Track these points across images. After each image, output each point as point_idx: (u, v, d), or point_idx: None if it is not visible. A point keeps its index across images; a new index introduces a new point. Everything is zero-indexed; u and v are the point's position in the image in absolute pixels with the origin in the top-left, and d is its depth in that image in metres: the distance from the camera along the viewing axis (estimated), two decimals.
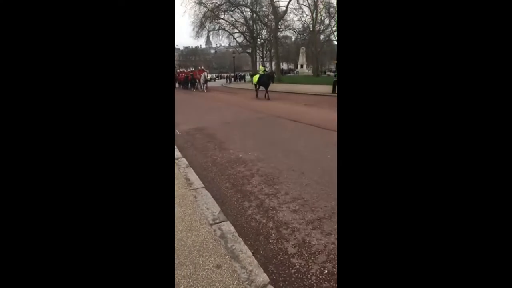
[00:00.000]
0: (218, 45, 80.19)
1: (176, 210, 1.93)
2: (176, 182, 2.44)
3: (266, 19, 24.17)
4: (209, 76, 19.57)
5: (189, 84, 18.41)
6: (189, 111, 7.70)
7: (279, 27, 22.61)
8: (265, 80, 9.60)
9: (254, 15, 25.28)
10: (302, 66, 35.80)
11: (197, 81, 17.32)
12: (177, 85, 22.08)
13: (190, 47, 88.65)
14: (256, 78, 10.09)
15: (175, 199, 2.11)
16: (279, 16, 21.99)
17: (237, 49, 32.39)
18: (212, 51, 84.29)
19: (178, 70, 23.61)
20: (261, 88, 9.79)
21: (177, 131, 4.91)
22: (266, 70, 11.27)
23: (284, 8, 22.26)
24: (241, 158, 3.24)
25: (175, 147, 3.64)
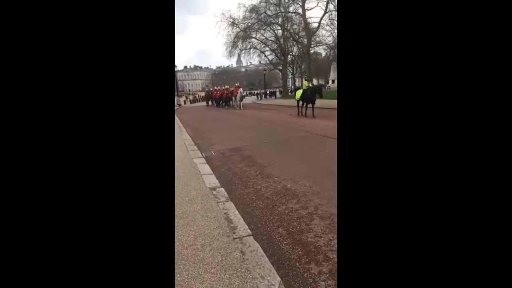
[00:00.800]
0: (248, 64, 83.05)
1: (219, 275, 1.36)
2: (215, 223, 1.89)
3: (297, 36, 24.11)
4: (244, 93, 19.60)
5: (223, 102, 18.17)
6: (224, 129, 7.37)
7: (311, 42, 22.33)
8: (309, 96, 8.82)
9: (286, 32, 25.41)
10: (333, 81, 34.90)
11: (234, 98, 16.92)
12: (209, 103, 22.44)
13: (222, 66, 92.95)
14: (299, 93, 9.31)
15: (216, 251, 1.55)
16: (311, 32, 21.77)
17: (268, 67, 32.74)
18: (243, 69, 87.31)
19: (211, 89, 24.17)
20: (305, 104, 9.06)
21: (212, 152, 4.49)
22: (311, 84, 10.31)
23: (316, 24, 22.01)
24: (290, 190, 2.63)
25: (213, 176, 3.15)
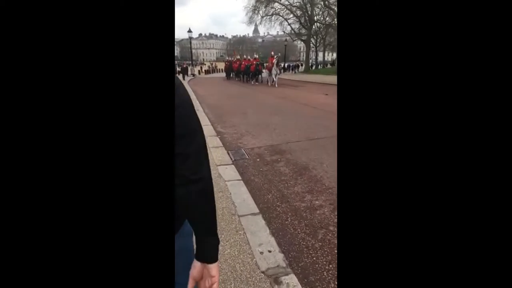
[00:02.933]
0: (265, 34, 78.15)
1: None
2: None
3: (328, 1, 21.08)
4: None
5: (250, 76, 14.51)
6: (253, 111, 5.87)
7: None
8: None
9: None
10: None
11: (266, 72, 13.22)
12: (231, 75, 18.58)
13: (238, 35, 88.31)
14: None
15: None
16: None
17: (289, 37, 29.80)
18: (260, 39, 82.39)
19: (232, 58, 20.18)
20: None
21: (244, 153, 3.08)
22: None
23: None
24: None
25: (268, 232, 1.73)
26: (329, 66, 37.15)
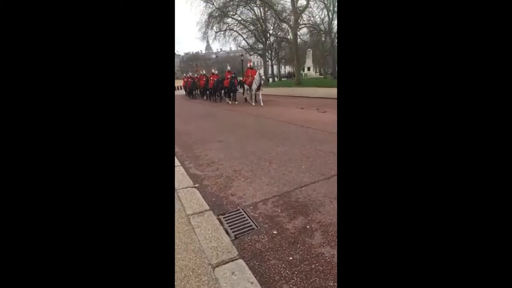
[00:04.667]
0: (219, 50, 78.40)
1: None
2: None
3: (282, 16, 21.34)
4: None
5: (223, 92, 11.67)
6: (240, 142, 4.71)
7: (298, 24, 19.76)
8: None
9: (268, 11, 22.51)
10: (309, 69, 32.96)
11: (244, 87, 10.44)
12: (193, 93, 15.63)
13: (191, 52, 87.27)
14: None
15: None
16: (299, 12, 19.19)
17: (244, 52, 29.61)
18: (213, 55, 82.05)
19: (192, 75, 17.47)
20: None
21: (244, 214, 1.91)
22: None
23: (304, 2, 19.41)
24: None
25: None
26: (283, 79, 38.07)
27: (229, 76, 10.90)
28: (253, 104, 9.61)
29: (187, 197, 2.22)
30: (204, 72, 15.41)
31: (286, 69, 49.97)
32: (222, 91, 11.83)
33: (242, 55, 30.37)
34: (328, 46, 25.51)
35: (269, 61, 34.48)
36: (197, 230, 1.69)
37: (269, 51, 30.49)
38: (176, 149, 4.02)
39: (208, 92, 13.44)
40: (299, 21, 19.13)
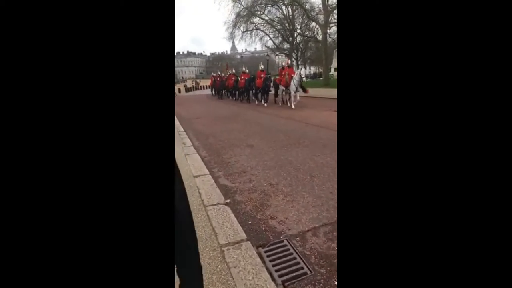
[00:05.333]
0: (244, 50, 78.77)
1: None
2: None
3: (312, 13, 20.60)
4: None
5: (256, 93, 10.54)
6: (273, 148, 4.31)
7: (329, 22, 18.90)
8: None
9: (297, 10, 21.88)
10: (335, 69, 31.68)
11: (279, 88, 9.32)
12: (220, 93, 15.16)
13: (217, 52, 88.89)
14: None
15: None
16: (329, 9, 18.35)
17: (269, 51, 29.14)
18: (238, 56, 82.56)
19: (221, 74, 16.60)
20: None
21: (291, 249, 1.49)
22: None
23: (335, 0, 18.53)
24: None
25: None
26: (309, 79, 37.35)
27: (262, 76, 9.96)
28: (293, 107, 8.32)
29: (219, 218, 1.84)
30: (234, 71, 14.39)
31: (311, 69, 48.82)
32: (251, 92, 10.89)
33: (267, 55, 30.00)
34: None
35: (295, 61, 33.81)
36: (234, 272, 1.30)
37: (295, 51, 29.82)
38: (203, 153, 3.71)
39: (237, 92, 12.63)
40: (329, 19, 18.29)
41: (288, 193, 2.28)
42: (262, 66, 11.06)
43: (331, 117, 6.15)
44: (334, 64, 32.51)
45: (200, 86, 30.69)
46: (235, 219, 1.85)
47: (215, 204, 2.05)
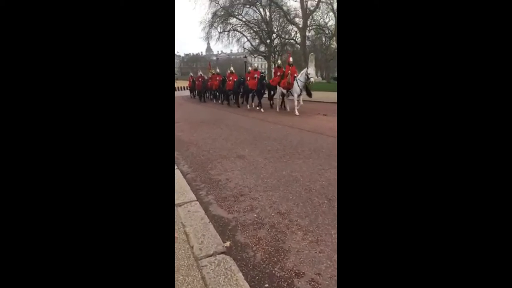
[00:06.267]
0: (219, 52, 77.81)
1: None
2: None
3: (290, 16, 20.43)
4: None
5: (249, 96, 9.21)
6: (272, 161, 3.68)
7: (307, 24, 18.86)
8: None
9: (274, 12, 21.63)
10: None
11: (278, 90, 8.05)
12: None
13: (191, 53, 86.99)
14: None
15: None
16: (308, 12, 18.32)
17: (247, 54, 28.62)
18: (214, 57, 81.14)
19: (201, 74, 14.37)
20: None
21: None
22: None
23: (314, 3, 18.51)
24: None
25: None
26: None
27: (256, 76, 8.65)
28: (296, 113, 7.05)
29: (220, 281, 1.21)
30: (218, 71, 12.49)
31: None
32: (251, 93, 9.13)
33: (245, 56, 29.48)
34: (333, 50, 24.66)
35: (273, 64, 33.66)
36: None
37: (273, 54, 29.65)
38: (185, 167, 3.02)
39: (222, 95, 11.20)
40: (307, 22, 18.26)
41: (307, 228, 1.71)
42: (255, 66, 10.19)
43: (324, 122, 5.72)
44: (310, 67, 32.87)
45: (177, 87, 28.87)
46: (244, 280, 1.23)
47: (210, 255, 1.40)
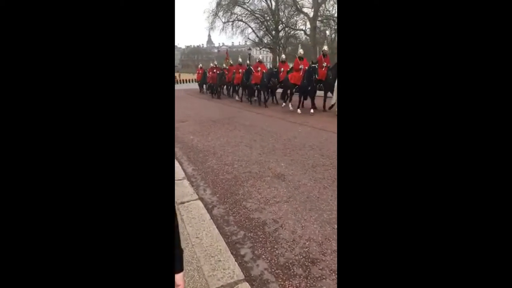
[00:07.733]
0: (221, 44, 76.32)
1: None
2: None
3: (299, 5, 19.26)
4: None
5: (265, 92, 7.72)
6: (317, 181, 2.80)
7: (318, 15, 17.70)
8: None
9: (281, 1, 20.45)
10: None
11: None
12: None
13: (192, 45, 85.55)
14: None
15: None
16: (319, 2, 17.15)
17: (252, 46, 27.50)
18: (215, 50, 79.56)
19: (216, 65, 12.57)
20: None
21: None
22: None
23: None
24: None
25: None
26: None
27: (275, 70, 7.27)
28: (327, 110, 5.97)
29: None
30: (240, 60, 10.08)
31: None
32: (269, 90, 7.39)
33: (250, 48, 28.34)
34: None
35: (278, 57, 32.49)
36: None
37: (279, 46, 28.48)
38: (207, 193, 2.17)
39: (247, 90, 8.99)
40: (318, 13, 17.17)
41: None
42: (240, 60, 9.27)
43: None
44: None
45: (182, 80, 27.24)
46: None
47: None
